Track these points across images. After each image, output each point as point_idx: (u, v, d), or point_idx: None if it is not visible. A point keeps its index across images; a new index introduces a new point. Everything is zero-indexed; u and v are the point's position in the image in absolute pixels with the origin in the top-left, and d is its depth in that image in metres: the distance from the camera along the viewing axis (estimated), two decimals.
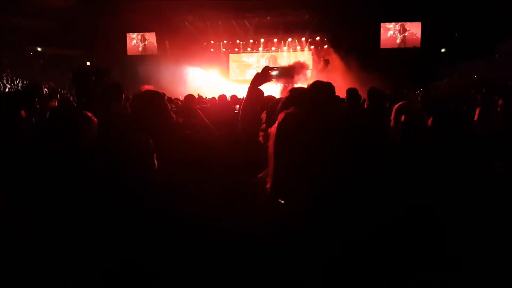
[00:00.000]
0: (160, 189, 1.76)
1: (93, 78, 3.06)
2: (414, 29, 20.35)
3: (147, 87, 2.34)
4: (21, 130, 2.49)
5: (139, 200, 1.67)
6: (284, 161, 1.20)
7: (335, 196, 1.22)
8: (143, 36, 22.15)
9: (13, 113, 2.65)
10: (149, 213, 1.63)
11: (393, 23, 20.53)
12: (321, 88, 2.20)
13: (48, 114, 3.42)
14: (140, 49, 22.21)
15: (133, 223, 1.58)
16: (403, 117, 2.11)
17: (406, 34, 20.47)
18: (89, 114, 1.97)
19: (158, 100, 2.12)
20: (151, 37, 21.99)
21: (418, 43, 20.26)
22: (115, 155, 1.86)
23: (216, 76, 21.95)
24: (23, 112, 2.62)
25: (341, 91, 6.71)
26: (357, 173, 1.90)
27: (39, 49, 19.98)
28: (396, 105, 2.28)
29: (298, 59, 21.12)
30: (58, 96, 5.59)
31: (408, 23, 20.37)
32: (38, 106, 3.33)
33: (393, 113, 2.23)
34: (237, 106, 6.68)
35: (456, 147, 2.08)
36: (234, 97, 6.93)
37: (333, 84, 2.41)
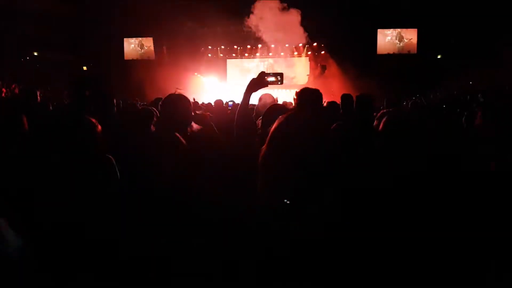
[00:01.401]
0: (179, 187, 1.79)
1: (89, 87, 3.09)
2: (411, 36, 20.51)
3: (178, 91, 2.54)
4: (22, 136, 2.48)
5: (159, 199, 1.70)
6: (276, 162, 1.22)
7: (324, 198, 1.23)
8: (140, 41, 22.18)
9: (14, 118, 2.63)
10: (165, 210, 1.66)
11: (390, 29, 20.68)
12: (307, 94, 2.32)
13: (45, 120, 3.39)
14: (137, 54, 22.22)
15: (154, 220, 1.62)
16: (383, 121, 2.11)
17: (403, 40, 20.63)
18: (94, 120, 1.98)
19: (186, 103, 2.44)
20: (148, 42, 22.02)
21: (414, 49, 20.40)
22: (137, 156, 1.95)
23: (213, 82, 22.00)
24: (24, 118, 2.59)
25: (337, 98, 6.71)
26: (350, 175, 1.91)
27: (35, 53, 19.95)
28: (380, 113, 2.29)
29: (296, 65, 21.22)
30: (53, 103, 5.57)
31: (404, 29, 20.53)
32: (33, 111, 3.31)
33: (377, 119, 2.24)
34: (230, 103, 6.73)
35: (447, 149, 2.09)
36: (219, 102, 6.93)
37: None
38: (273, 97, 3.47)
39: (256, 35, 18.43)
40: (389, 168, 1.86)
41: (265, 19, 17.74)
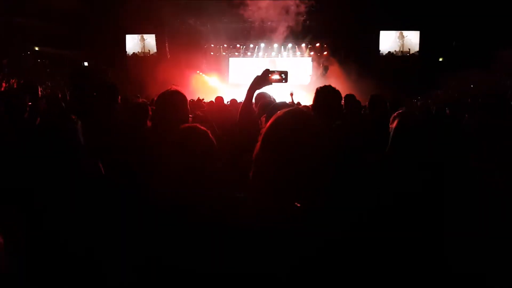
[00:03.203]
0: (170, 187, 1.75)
1: (90, 78, 3.06)
2: (413, 37, 20.48)
3: (174, 87, 2.42)
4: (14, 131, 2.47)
5: (152, 198, 1.66)
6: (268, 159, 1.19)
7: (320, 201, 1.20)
8: (142, 38, 22.12)
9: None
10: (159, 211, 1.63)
11: (392, 31, 20.65)
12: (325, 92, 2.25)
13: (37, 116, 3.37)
14: (139, 50, 22.17)
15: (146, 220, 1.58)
16: (395, 123, 2.09)
17: (405, 41, 20.59)
18: (74, 116, 1.96)
19: (182, 99, 2.33)
20: (150, 39, 21.97)
21: (416, 52, 20.39)
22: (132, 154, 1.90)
23: (215, 80, 21.95)
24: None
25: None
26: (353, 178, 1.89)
27: (36, 48, 19.91)
28: (395, 113, 2.27)
29: (298, 64, 21.12)
30: (59, 94, 5.52)
31: (406, 31, 20.50)
32: (31, 106, 3.30)
33: (391, 120, 2.22)
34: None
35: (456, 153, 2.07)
36: (233, 101, 6.89)
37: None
38: (269, 96, 3.40)
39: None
40: (402, 173, 1.84)
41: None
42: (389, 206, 1.61)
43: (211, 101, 8.11)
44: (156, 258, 1.49)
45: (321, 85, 2.53)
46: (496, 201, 1.49)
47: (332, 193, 1.35)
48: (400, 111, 2.27)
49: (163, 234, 1.50)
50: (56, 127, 1.87)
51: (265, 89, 3.14)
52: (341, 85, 17.36)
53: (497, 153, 1.78)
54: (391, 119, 2.12)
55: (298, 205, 1.15)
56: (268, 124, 1.23)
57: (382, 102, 3.53)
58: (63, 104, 4.54)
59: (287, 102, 3.71)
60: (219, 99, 6.44)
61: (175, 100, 2.30)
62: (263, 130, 1.25)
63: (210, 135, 1.68)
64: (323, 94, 2.36)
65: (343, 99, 4.86)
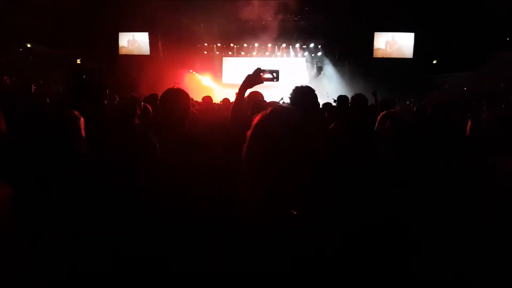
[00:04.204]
0: (164, 185, 1.76)
1: (85, 78, 3.07)
2: (407, 40, 20.60)
3: (176, 85, 2.42)
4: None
5: (143, 196, 1.66)
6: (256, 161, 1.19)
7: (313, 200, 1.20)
8: (135, 36, 21.98)
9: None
10: (152, 208, 1.62)
11: (386, 33, 20.75)
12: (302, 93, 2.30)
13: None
14: (132, 49, 22.02)
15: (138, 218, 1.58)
16: (388, 122, 2.09)
17: (399, 44, 20.70)
18: (76, 112, 1.96)
19: (185, 97, 2.37)
20: (143, 37, 21.83)
21: (410, 54, 20.49)
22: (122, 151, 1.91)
23: (209, 79, 21.91)
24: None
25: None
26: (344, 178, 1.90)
27: (29, 45, 19.71)
28: (384, 112, 2.27)
29: (292, 65, 21.06)
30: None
31: (401, 33, 20.61)
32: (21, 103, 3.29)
33: (378, 119, 2.23)
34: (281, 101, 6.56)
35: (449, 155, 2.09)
36: (226, 100, 6.87)
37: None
38: (262, 95, 3.39)
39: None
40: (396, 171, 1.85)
41: None
42: (391, 207, 1.62)
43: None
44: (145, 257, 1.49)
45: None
46: (497, 201, 1.50)
47: (330, 192, 1.35)
48: (391, 111, 2.27)
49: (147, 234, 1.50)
50: (60, 123, 1.86)
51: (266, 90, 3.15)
52: (335, 86, 17.41)
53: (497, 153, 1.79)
54: (378, 118, 2.12)
55: (295, 212, 1.14)
56: (254, 122, 1.22)
57: (364, 102, 3.54)
58: (48, 100, 4.52)
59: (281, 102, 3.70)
60: (207, 98, 6.39)
61: (179, 98, 2.33)
62: (250, 129, 1.24)
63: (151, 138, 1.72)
64: (299, 92, 2.40)
65: (336, 100, 4.91)
